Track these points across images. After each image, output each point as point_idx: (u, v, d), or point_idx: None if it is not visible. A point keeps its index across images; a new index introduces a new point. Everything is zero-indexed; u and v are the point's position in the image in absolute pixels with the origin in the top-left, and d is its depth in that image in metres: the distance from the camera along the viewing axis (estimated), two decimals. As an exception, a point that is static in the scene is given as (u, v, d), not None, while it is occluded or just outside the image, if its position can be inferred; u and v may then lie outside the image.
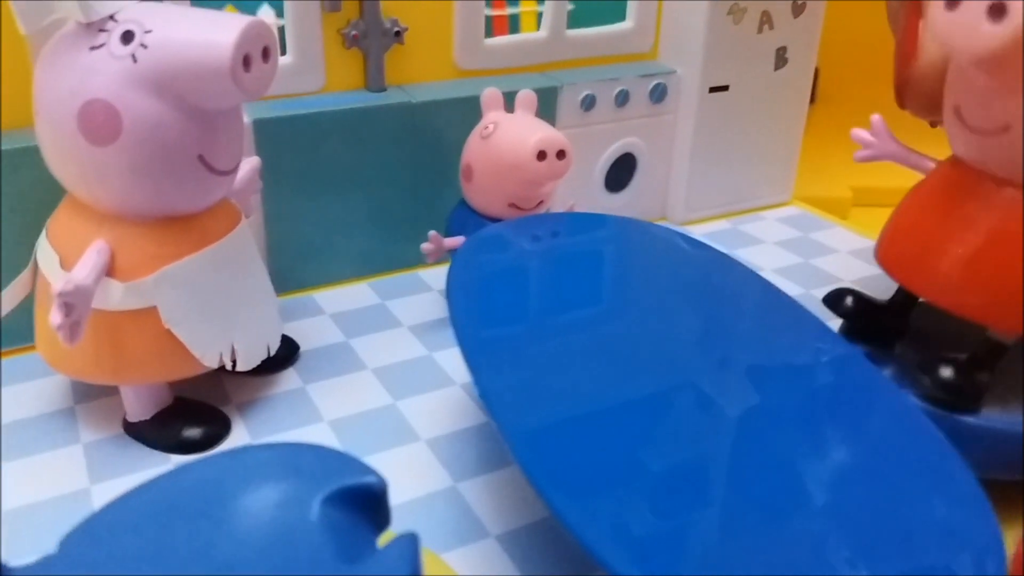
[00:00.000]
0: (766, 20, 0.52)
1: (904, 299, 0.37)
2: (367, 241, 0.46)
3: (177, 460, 0.33)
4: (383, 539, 0.19)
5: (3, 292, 0.33)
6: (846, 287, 0.38)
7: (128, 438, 0.33)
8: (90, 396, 0.36)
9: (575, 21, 0.50)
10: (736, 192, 0.57)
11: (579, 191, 0.50)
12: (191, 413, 0.34)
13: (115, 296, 0.30)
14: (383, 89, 0.45)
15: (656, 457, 0.24)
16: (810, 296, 0.45)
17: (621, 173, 0.53)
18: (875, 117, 0.37)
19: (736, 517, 0.23)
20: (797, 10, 0.53)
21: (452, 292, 0.31)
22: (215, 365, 0.32)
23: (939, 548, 0.22)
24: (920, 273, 0.33)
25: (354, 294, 0.45)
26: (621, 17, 0.52)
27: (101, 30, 0.29)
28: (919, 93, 0.34)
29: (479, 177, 0.41)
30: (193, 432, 0.33)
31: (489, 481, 0.32)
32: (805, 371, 0.30)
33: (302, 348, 0.39)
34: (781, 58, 0.54)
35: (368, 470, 0.20)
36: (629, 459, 0.24)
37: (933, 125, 0.37)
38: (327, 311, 0.43)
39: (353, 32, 0.43)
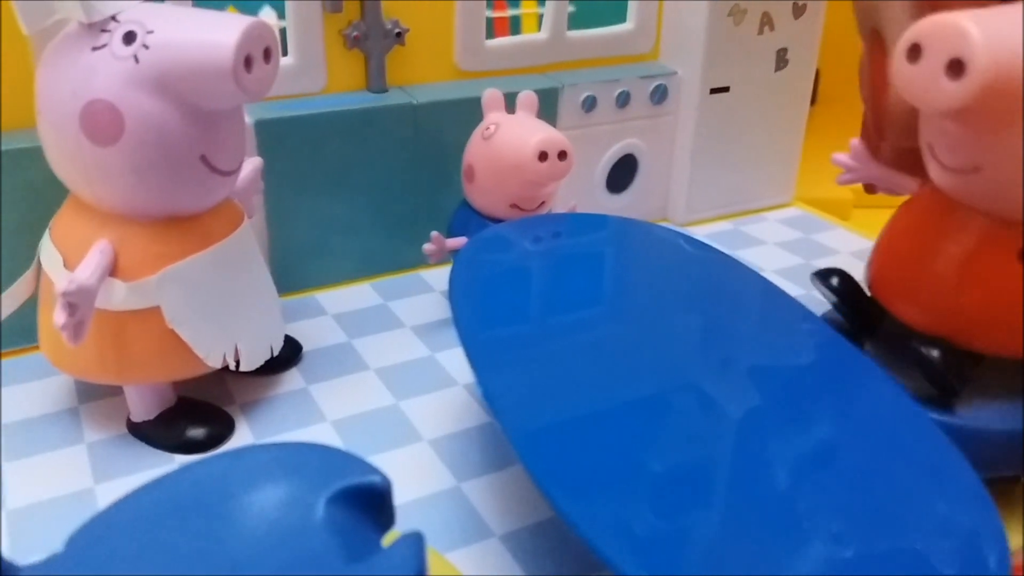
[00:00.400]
0: (767, 21, 0.52)
1: None
2: (369, 242, 0.46)
3: (181, 460, 0.33)
4: (387, 539, 0.19)
5: (5, 293, 0.33)
6: (838, 268, 0.37)
7: (132, 438, 0.34)
8: (94, 396, 0.36)
9: (576, 22, 0.50)
10: (737, 193, 0.57)
11: (580, 192, 0.50)
12: (195, 413, 0.34)
13: (118, 296, 0.30)
14: (384, 90, 0.45)
15: (659, 457, 0.24)
16: (812, 297, 0.45)
17: (622, 174, 0.53)
18: (854, 141, 0.37)
19: (740, 516, 0.23)
20: (798, 11, 0.53)
21: (455, 293, 0.31)
22: (219, 365, 0.32)
23: (943, 547, 0.22)
24: (911, 306, 0.33)
25: (356, 295, 0.45)
26: (622, 18, 0.52)
27: (103, 30, 0.29)
28: (894, 122, 0.34)
29: (481, 178, 0.41)
30: (197, 432, 0.33)
31: (493, 481, 0.32)
32: (807, 372, 0.30)
33: (305, 348, 0.39)
34: (782, 59, 0.54)
35: (372, 469, 0.20)
36: (633, 459, 0.24)
37: (869, 191, 0.37)
38: (329, 312, 0.43)
39: (354, 33, 0.43)
